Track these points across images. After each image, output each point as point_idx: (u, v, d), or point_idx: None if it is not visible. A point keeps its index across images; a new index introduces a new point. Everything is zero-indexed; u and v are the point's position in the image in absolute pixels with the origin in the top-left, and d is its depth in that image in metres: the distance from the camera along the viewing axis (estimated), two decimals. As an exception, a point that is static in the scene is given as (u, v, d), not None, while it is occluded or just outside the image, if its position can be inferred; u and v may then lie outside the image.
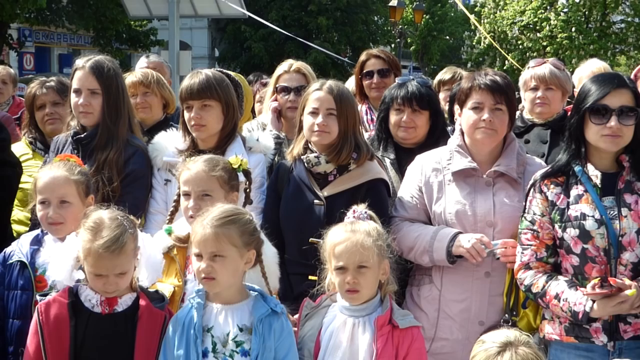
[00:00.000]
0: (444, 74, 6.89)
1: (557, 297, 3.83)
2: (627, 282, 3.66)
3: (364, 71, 6.11)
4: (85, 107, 4.62)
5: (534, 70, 5.37)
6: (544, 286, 3.89)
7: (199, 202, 3.87)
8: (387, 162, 4.80)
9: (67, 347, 3.46)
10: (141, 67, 6.49)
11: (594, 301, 3.71)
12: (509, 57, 30.99)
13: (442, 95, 6.75)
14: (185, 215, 3.97)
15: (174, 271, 3.95)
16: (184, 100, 4.57)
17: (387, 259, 3.67)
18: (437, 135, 4.82)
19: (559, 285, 3.85)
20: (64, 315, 3.49)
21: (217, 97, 4.54)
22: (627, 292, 3.63)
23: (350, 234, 3.62)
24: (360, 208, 3.79)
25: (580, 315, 3.74)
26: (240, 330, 3.46)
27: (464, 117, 4.28)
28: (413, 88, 4.82)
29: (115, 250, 3.45)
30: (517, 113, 4.95)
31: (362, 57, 6.22)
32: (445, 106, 6.64)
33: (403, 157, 4.76)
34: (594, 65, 6.37)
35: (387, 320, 3.59)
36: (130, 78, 5.66)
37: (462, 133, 4.35)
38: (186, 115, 4.57)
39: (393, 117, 4.84)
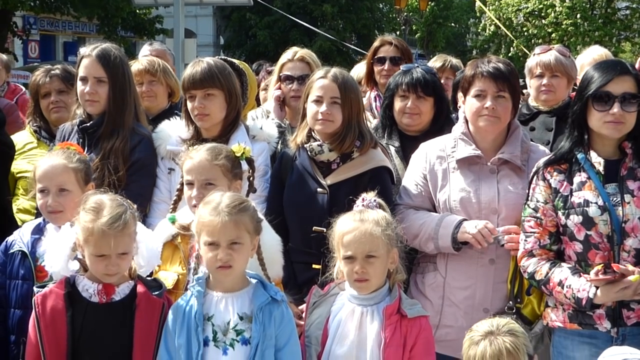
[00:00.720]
0: (434, 62, 6.86)
1: (560, 284, 3.84)
2: (631, 267, 3.67)
3: (376, 57, 6.09)
4: (91, 96, 4.61)
5: (540, 57, 5.34)
6: (547, 273, 3.90)
7: (202, 191, 3.85)
8: (392, 149, 4.80)
9: (64, 338, 3.45)
10: (144, 55, 6.47)
11: (597, 287, 3.72)
12: (516, 42, 30.81)
13: None
14: (188, 204, 3.96)
15: (177, 259, 3.94)
16: (187, 90, 4.55)
17: (396, 247, 3.66)
18: (441, 122, 4.81)
19: (562, 272, 3.86)
20: (60, 307, 3.47)
21: (220, 86, 4.51)
22: (630, 277, 3.64)
23: (358, 223, 3.61)
24: (370, 196, 3.78)
25: (583, 302, 3.74)
26: (241, 318, 3.45)
27: (467, 105, 4.29)
28: (418, 74, 4.82)
29: (118, 227, 3.44)
30: (523, 100, 4.94)
31: (376, 42, 6.19)
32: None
33: (408, 145, 4.75)
34: (595, 52, 6.33)
35: (396, 310, 3.59)
36: (136, 66, 5.64)
37: (467, 121, 4.36)
38: (189, 105, 4.54)
39: (398, 104, 4.83)
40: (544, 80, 5.30)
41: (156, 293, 3.58)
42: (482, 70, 4.23)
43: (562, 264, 3.91)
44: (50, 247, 3.70)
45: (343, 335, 3.61)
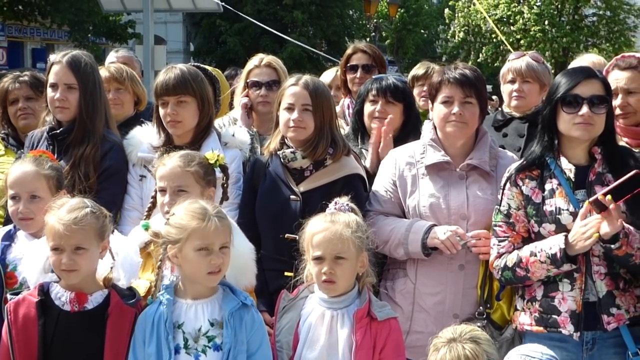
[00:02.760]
0: (417, 70, 6.90)
1: (532, 254, 3.87)
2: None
3: (349, 64, 6.12)
4: (61, 102, 4.59)
5: (512, 63, 5.35)
6: (517, 255, 3.93)
7: (174, 197, 3.86)
8: (365, 154, 4.81)
9: (35, 346, 3.45)
10: (111, 62, 6.43)
11: (565, 236, 3.76)
12: (500, 34, 30.61)
13: (416, 91, 6.77)
14: (161, 210, 3.96)
15: (150, 267, 3.93)
16: (159, 96, 4.53)
17: (365, 251, 3.69)
18: (408, 130, 4.85)
19: (530, 245, 3.90)
20: (32, 315, 3.48)
21: (193, 93, 4.50)
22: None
23: (329, 224, 3.64)
24: (343, 200, 3.82)
25: (558, 255, 3.76)
26: (212, 324, 3.46)
27: (435, 111, 4.32)
28: (388, 81, 4.88)
29: (70, 219, 3.46)
30: (491, 107, 4.96)
31: (349, 50, 6.21)
32: (419, 102, 6.67)
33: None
34: (593, 58, 6.30)
35: (366, 313, 3.62)
36: (103, 73, 5.60)
37: (435, 127, 4.38)
38: (161, 111, 4.53)
39: (367, 109, 4.87)
40: (515, 86, 5.31)
41: (130, 302, 3.57)
42: (448, 77, 4.26)
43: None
44: (27, 258, 3.71)
45: (314, 339, 3.63)
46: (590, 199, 3.70)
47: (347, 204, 3.79)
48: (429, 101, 4.43)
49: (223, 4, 17.36)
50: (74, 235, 3.46)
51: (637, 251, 3.75)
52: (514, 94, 5.32)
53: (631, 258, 3.76)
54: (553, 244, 3.81)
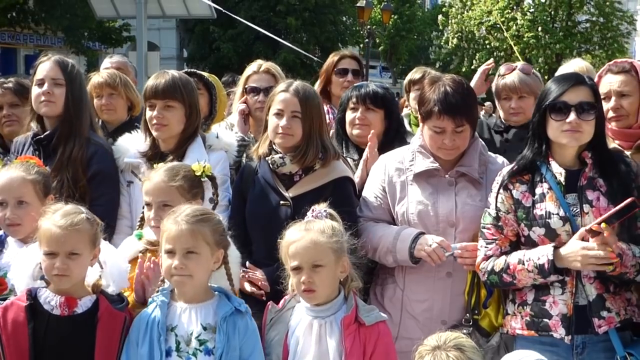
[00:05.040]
0: (414, 74, 6.97)
1: (520, 262, 3.87)
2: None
3: (338, 68, 6.15)
4: (47, 96, 4.56)
5: (505, 80, 5.32)
6: (505, 260, 3.93)
7: (159, 212, 3.84)
8: (351, 162, 4.81)
9: (26, 350, 3.44)
10: (105, 68, 6.43)
11: (556, 248, 3.76)
12: (509, 38, 30.47)
13: (412, 95, 6.81)
14: (147, 225, 3.96)
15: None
16: (148, 99, 4.54)
17: (345, 256, 3.66)
18: (391, 136, 4.86)
19: (519, 253, 3.91)
20: (21, 319, 3.47)
21: (181, 99, 4.51)
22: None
23: (303, 233, 3.61)
24: (320, 207, 3.79)
25: (546, 266, 3.78)
26: (204, 329, 3.46)
27: (426, 134, 4.27)
28: (368, 88, 4.90)
29: (65, 223, 3.46)
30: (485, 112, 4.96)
31: (335, 56, 6.30)
32: (416, 105, 6.71)
33: (364, 158, 4.76)
34: (576, 65, 6.32)
35: (353, 319, 3.60)
36: (96, 79, 5.61)
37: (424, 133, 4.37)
38: (148, 113, 4.53)
39: (348, 116, 4.90)
40: (512, 104, 5.30)
41: (119, 307, 3.57)
42: (439, 108, 4.14)
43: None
44: (16, 264, 3.71)
45: (304, 350, 3.60)
46: (586, 228, 3.71)
47: (325, 211, 3.75)
48: (419, 115, 4.37)
49: (217, 7, 17.38)
50: (69, 239, 3.46)
51: (630, 268, 3.78)
52: (512, 110, 5.31)
53: (625, 275, 3.79)
54: (541, 254, 3.82)
